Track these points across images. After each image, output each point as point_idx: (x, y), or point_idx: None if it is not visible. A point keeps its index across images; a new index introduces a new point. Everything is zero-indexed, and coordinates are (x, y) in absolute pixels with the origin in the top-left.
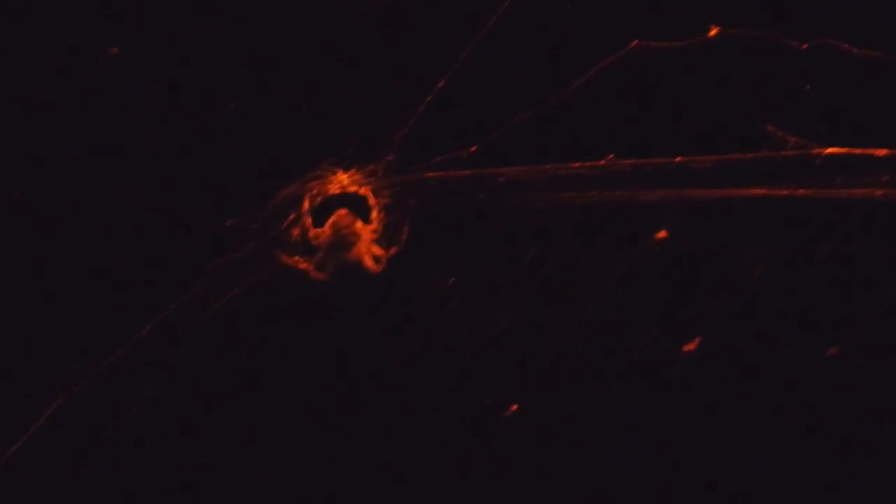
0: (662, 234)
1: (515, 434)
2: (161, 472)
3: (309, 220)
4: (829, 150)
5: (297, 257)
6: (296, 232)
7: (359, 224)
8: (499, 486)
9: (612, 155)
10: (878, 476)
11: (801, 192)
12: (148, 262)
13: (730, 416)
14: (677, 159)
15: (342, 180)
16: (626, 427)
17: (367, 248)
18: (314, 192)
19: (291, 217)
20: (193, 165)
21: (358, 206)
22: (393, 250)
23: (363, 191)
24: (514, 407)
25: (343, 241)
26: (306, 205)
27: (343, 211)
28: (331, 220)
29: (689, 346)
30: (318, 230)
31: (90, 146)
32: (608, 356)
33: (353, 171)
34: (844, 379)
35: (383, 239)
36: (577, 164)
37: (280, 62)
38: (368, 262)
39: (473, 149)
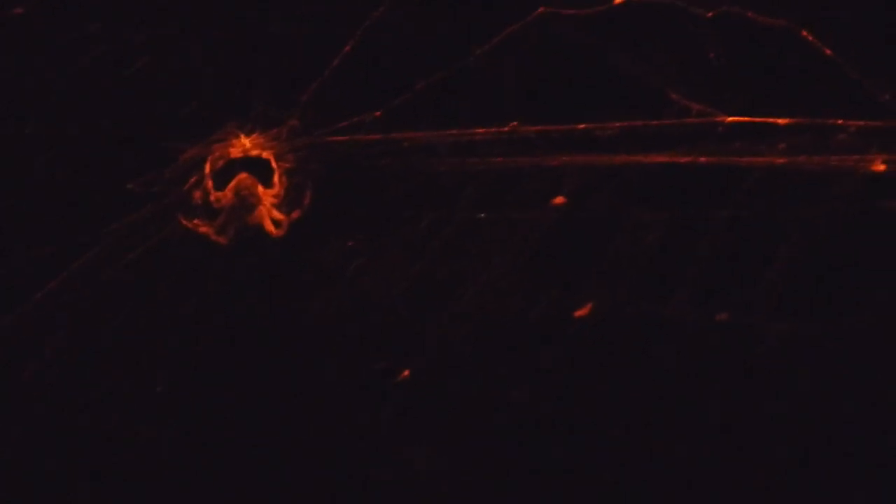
0: (560, 199)
1: (409, 398)
2: (50, 439)
3: (210, 184)
4: (731, 118)
5: (197, 220)
6: (197, 195)
7: (260, 188)
8: (392, 450)
9: (515, 122)
10: (763, 439)
11: (702, 159)
12: (46, 224)
13: (619, 382)
14: (581, 126)
15: (245, 144)
16: (517, 390)
17: (269, 212)
18: (216, 155)
19: (193, 180)
20: (94, 126)
21: (260, 170)
22: (295, 214)
23: (266, 154)
24: (406, 372)
25: (244, 204)
26: (208, 168)
27: (244, 174)
28: (232, 184)
29: (581, 312)
30: (220, 193)
31: None
32: (502, 320)
33: (256, 134)
34: (734, 344)
35: (285, 203)
36: (481, 130)
37: (182, 24)
38: (269, 226)
39: (378, 113)
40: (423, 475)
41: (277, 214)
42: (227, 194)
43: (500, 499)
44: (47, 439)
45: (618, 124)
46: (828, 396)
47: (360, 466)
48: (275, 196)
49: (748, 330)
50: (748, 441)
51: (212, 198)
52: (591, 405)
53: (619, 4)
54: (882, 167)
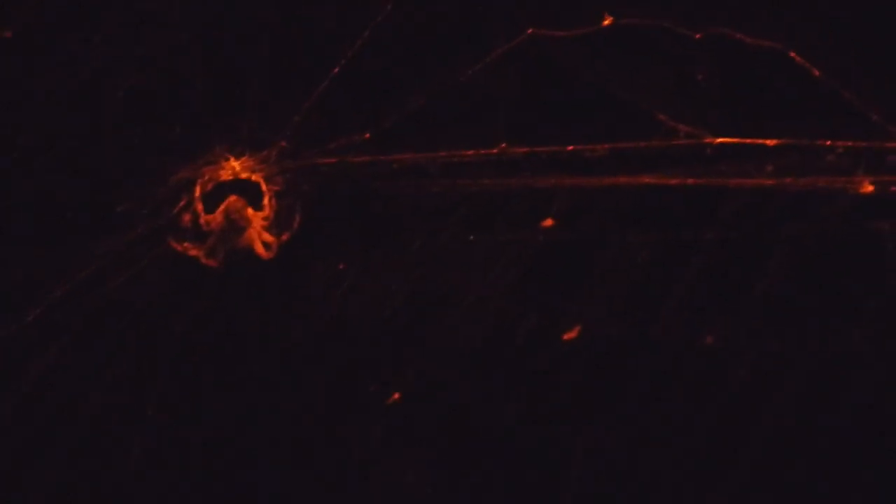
0: (549, 222)
1: (398, 421)
2: (49, 453)
3: (200, 206)
4: (720, 139)
5: (187, 243)
6: (187, 218)
7: (250, 210)
8: (383, 470)
9: (504, 144)
10: (753, 460)
11: (690, 180)
12: (36, 247)
13: (607, 403)
14: (570, 147)
15: (234, 167)
16: (506, 413)
17: (259, 235)
18: (206, 177)
19: (182, 203)
20: (84, 149)
21: (250, 193)
22: (285, 236)
23: (255, 177)
24: (397, 395)
25: (234, 227)
26: (198, 191)
27: (234, 197)
28: (222, 207)
29: (570, 334)
30: (210, 216)
31: None
32: (491, 342)
33: (246, 157)
34: (721, 365)
35: (275, 225)
36: (470, 152)
37: (173, 47)
38: (259, 249)
39: (367, 135)
40: (414, 494)
41: (267, 237)
42: (217, 217)
43: None
44: (39, 459)
45: (606, 146)
46: (816, 416)
47: (351, 488)
48: (265, 218)
49: (736, 351)
50: (735, 461)
51: (201, 220)
52: (578, 425)
53: (608, 26)
54: (870, 188)
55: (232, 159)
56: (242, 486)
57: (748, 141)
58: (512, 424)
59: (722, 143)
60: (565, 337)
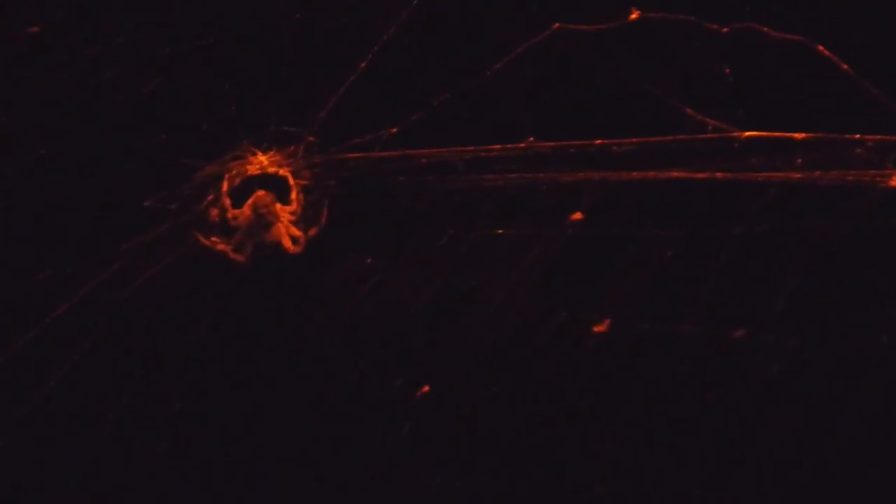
0: (577, 215)
1: (427, 414)
2: (76, 447)
3: (228, 201)
4: (748, 133)
5: (215, 238)
6: (214, 213)
7: (278, 205)
8: (410, 463)
9: (531, 138)
10: (780, 453)
11: (719, 175)
12: (65, 242)
13: (636, 397)
14: (597, 142)
15: (262, 161)
16: (536, 406)
17: (286, 229)
18: (234, 172)
19: (210, 198)
20: (111, 145)
21: (277, 188)
22: (312, 231)
23: (283, 172)
24: (426, 388)
25: (262, 222)
26: (225, 186)
27: (262, 192)
28: (249, 201)
29: (600, 327)
30: (237, 211)
31: (3, 129)
32: (520, 335)
33: (273, 152)
34: (749, 360)
35: (302, 220)
36: (497, 147)
37: (200, 42)
38: (287, 243)
39: (394, 130)
40: (442, 488)
41: (295, 231)
42: (245, 212)
43: None
44: (63, 451)
45: (634, 140)
46: (842, 412)
47: (379, 481)
48: (292, 213)
49: (764, 346)
50: (761, 455)
51: (229, 215)
52: (607, 419)
53: (635, 20)
54: None
55: (259, 154)
56: (270, 476)
57: (776, 135)
58: (544, 416)
59: (750, 137)
60: (596, 329)
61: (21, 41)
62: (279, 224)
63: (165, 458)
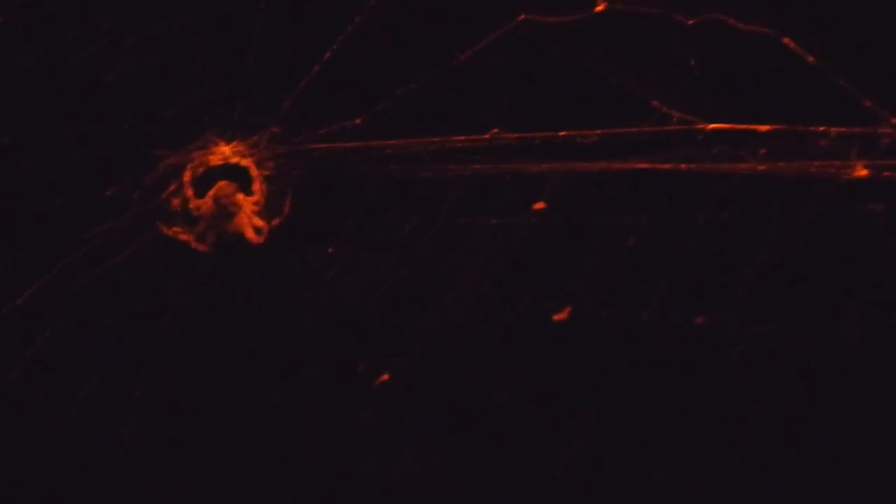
0: (540, 205)
1: (391, 404)
2: (37, 435)
3: (190, 191)
4: (712, 125)
5: (177, 228)
6: (176, 202)
7: (240, 195)
8: (371, 452)
9: (496, 129)
10: (741, 441)
11: (683, 166)
12: (23, 231)
13: (598, 385)
14: (561, 133)
15: (225, 151)
16: (497, 393)
17: (249, 220)
18: (196, 162)
19: (172, 187)
20: (73, 133)
21: (240, 178)
22: (275, 222)
23: (245, 162)
24: (387, 376)
25: (224, 212)
26: (188, 175)
27: (224, 182)
28: (212, 192)
29: (560, 315)
30: (200, 201)
31: None
32: (483, 325)
33: (236, 142)
34: (712, 347)
35: (265, 210)
36: (462, 138)
37: (163, 31)
38: (250, 234)
39: (358, 121)
40: (406, 476)
41: (258, 222)
42: (207, 202)
43: (481, 499)
44: (26, 446)
45: (599, 131)
46: (807, 399)
47: (345, 469)
48: (255, 203)
49: (726, 333)
50: (727, 443)
51: (191, 205)
52: (569, 407)
53: (601, 12)
54: (863, 172)
55: (222, 144)
56: (237, 470)
57: (741, 127)
58: (505, 406)
59: (715, 129)
60: (555, 318)
61: None
62: (242, 214)
63: (132, 449)
